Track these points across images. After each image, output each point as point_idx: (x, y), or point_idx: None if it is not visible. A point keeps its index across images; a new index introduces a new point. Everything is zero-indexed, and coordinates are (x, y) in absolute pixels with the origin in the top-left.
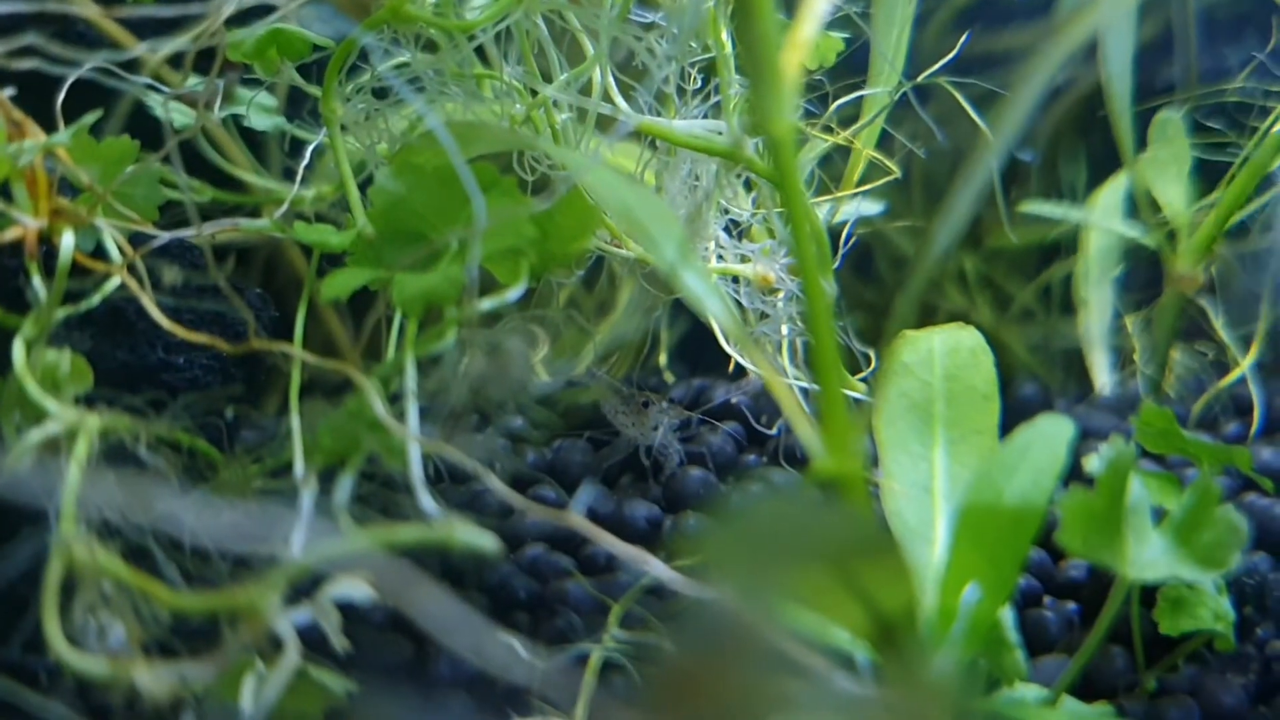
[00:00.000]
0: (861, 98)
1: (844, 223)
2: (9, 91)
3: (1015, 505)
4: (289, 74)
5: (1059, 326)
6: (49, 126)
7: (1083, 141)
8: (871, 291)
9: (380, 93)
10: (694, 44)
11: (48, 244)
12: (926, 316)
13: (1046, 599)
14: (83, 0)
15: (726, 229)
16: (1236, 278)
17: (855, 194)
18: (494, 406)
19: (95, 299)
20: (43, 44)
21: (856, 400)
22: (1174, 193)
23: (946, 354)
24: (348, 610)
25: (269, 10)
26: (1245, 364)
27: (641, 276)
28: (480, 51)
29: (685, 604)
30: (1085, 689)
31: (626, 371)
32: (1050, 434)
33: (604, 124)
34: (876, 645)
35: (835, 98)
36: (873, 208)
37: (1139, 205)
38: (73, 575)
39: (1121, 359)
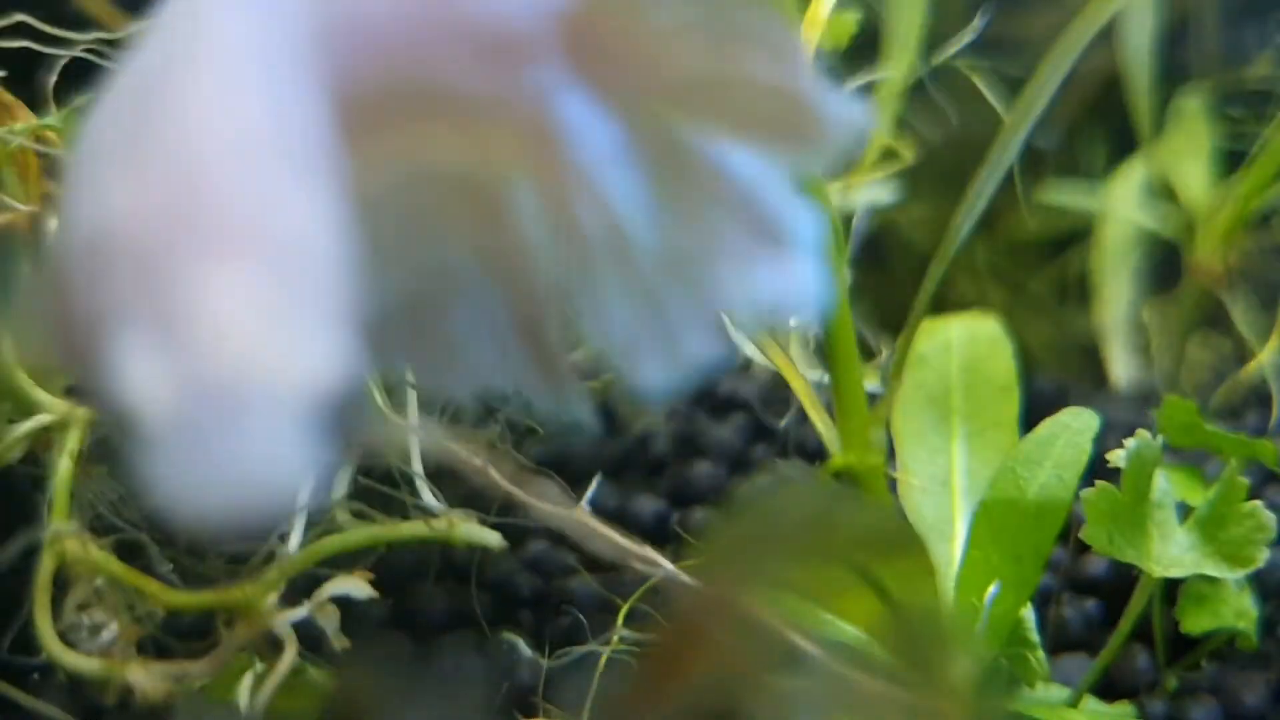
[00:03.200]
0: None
1: (857, 209)
2: None
3: (1038, 500)
4: None
5: (1073, 317)
6: (39, 109)
7: (1101, 126)
8: (883, 279)
9: None
10: None
11: (38, 229)
12: (937, 306)
13: (1067, 596)
14: None
15: None
16: (1256, 267)
17: (869, 180)
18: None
19: None
20: (32, 23)
21: (870, 393)
22: (1193, 180)
23: (964, 344)
24: (347, 606)
25: None
26: (1265, 355)
27: None
28: None
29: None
30: (1106, 688)
31: None
32: (1074, 427)
33: None
34: (895, 644)
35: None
36: (887, 194)
37: (1157, 192)
38: (64, 571)
39: (1138, 350)
